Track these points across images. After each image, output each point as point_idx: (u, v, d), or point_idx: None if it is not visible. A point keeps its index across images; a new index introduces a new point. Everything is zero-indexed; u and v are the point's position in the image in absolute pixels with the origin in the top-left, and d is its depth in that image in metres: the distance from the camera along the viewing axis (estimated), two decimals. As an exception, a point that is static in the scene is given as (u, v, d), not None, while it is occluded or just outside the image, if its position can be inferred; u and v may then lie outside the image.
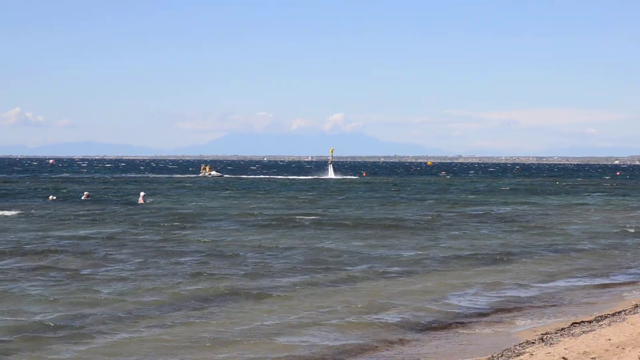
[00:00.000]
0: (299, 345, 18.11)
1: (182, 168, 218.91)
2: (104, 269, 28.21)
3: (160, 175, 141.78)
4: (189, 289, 24.14)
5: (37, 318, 20.04)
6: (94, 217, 49.02)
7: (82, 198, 67.38)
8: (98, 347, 17.55)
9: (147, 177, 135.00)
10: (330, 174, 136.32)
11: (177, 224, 44.89)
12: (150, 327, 19.44)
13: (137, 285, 24.64)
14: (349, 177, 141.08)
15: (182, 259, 30.71)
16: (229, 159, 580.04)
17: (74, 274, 27.01)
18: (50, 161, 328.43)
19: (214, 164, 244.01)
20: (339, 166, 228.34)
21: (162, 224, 44.46)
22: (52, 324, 19.36)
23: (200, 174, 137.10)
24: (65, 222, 45.72)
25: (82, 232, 40.02)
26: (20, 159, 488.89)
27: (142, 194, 65.80)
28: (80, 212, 52.40)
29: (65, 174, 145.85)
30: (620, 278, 28.84)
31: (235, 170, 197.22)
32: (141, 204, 61.96)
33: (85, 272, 27.47)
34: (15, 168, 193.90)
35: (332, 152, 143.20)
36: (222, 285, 24.91)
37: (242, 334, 18.88)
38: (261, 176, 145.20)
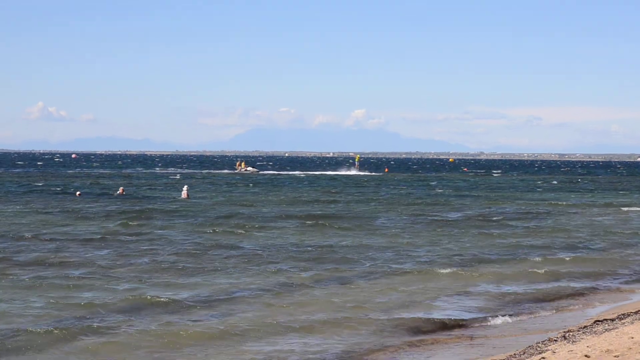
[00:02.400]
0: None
1: (207, 163, 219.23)
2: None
3: (195, 171, 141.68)
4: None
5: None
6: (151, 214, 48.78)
7: (117, 194, 67.22)
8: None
9: (182, 172, 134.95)
10: (352, 172, 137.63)
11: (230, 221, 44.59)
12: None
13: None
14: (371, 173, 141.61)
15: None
16: (250, 154, 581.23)
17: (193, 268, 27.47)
18: (73, 156, 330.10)
19: (236, 159, 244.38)
20: (363, 162, 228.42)
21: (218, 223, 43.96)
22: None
23: (236, 170, 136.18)
24: (131, 216, 45.30)
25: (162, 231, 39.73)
26: (42, 153, 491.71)
27: (185, 187, 65.77)
28: (128, 208, 51.65)
29: (85, 170, 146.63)
30: None
31: (271, 166, 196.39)
32: (185, 198, 61.92)
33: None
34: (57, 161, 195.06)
35: (358, 158, 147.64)
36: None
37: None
38: (308, 172, 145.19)
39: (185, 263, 28.59)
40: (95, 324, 19.15)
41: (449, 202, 62.92)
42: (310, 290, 24.11)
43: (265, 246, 33.69)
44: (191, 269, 27.37)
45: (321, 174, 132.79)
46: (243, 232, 39.11)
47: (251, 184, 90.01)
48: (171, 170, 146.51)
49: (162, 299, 21.85)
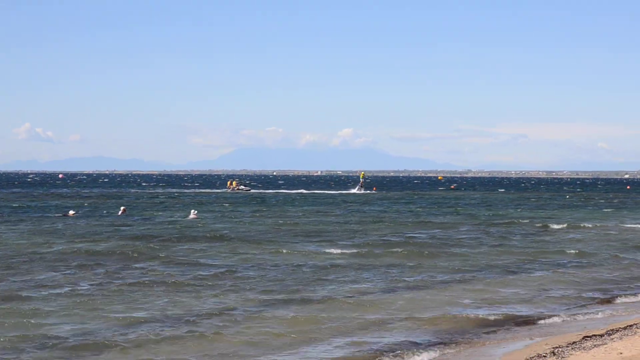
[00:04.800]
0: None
1: (198, 182, 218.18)
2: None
3: (187, 191, 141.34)
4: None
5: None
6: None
7: (119, 214, 66.38)
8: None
9: (178, 191, 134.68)
10: (355, 190, 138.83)
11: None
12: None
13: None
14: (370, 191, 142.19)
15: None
16: (238, 173, 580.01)
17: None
18: (60, 175, 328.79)
19: (226, 178, 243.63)
20: (350, 179, 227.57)
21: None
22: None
23: (228, 190, 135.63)
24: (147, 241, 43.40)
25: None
26: (29, 173, 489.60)
27: (193, 210, 65.18)
28: (145, 231, 50.21)
29: (77, 189, 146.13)
30: None
31: (260, 184, 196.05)
32: (194, 219, 61.56)
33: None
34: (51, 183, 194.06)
35: (362, 175, 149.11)
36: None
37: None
38: (295, 190, 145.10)
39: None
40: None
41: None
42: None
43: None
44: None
45: (322, 192, 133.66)
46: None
47: (253, 202, 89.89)
48: (159, 190, 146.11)
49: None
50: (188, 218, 62.57)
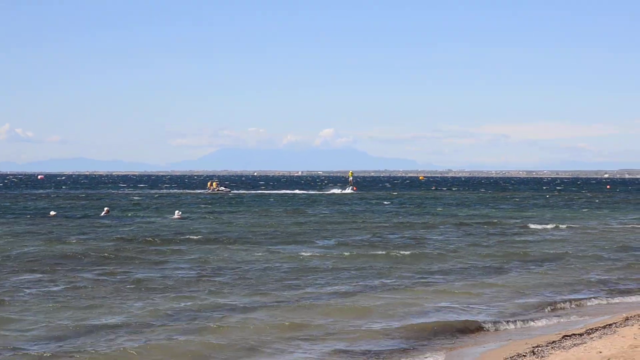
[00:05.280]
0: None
1: (178, 183, 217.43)
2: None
3: (166, 191, 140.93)
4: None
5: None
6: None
7: (102, 214, 66.53)
8: None
9: (160, 193, 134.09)
10: (345, 190, 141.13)
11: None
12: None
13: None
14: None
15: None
16: (219, 173, 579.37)
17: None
18: (40, 177, 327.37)
19: (206, 179, 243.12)
20: (331, 180, 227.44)
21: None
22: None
23: (209, 190, 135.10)
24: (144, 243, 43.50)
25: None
26: (8, 174, 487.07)
27: (177, 211, 65.76)
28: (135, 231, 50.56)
29: (54, 190, 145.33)
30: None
31: (241, 185, 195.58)
32: (178, 219, 61.72)
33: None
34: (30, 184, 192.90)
35: (351, 174, 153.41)
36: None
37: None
38: (279, 191, 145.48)
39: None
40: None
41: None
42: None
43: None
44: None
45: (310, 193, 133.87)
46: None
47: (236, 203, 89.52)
48: (139, 191, 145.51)
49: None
50: (172, 218, 62.53)
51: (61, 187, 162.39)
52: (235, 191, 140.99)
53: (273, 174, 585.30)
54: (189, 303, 24.80)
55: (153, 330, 20.88)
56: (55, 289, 27.05)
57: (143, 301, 25.00)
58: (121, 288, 27.50)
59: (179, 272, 31.82)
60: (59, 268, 32.24)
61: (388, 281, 30.09)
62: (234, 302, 25.14)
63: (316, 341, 20.37)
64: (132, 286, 27.91)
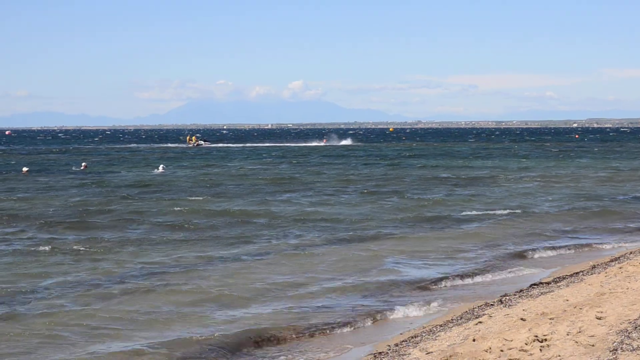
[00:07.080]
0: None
1: (155, 138, 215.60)
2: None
3: (143, 145, 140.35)
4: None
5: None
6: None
7: (81, 168, 66.13)
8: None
9: (137, 147, 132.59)
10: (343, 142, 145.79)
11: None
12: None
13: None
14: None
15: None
16: (188, 127, 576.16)
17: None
18: (7, 132, 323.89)
19: (177, 134, 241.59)
20: (300, 132, 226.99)
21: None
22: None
23: (189, 145, 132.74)
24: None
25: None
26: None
27: (161, 165, 66.05)
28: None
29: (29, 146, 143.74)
30: None
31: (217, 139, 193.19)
32: (162, 173, 62.00)
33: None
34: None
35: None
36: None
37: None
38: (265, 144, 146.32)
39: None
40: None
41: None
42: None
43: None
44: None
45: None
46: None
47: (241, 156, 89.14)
48: (113, 145, 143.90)
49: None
50: (156, 172, 62.40)
51: (35, 144, 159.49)
52: (221, 145, 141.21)
53: (243, 127, 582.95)
54: (145, 258, 24.56)
55: (108, 285, 20.70)
56: (13, 248, 26.45)
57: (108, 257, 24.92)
58: (94, 242, 27.37)
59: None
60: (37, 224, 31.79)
61: (352, 232, 30.38)
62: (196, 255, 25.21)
63: (288, 297, 20.37)
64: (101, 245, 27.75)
